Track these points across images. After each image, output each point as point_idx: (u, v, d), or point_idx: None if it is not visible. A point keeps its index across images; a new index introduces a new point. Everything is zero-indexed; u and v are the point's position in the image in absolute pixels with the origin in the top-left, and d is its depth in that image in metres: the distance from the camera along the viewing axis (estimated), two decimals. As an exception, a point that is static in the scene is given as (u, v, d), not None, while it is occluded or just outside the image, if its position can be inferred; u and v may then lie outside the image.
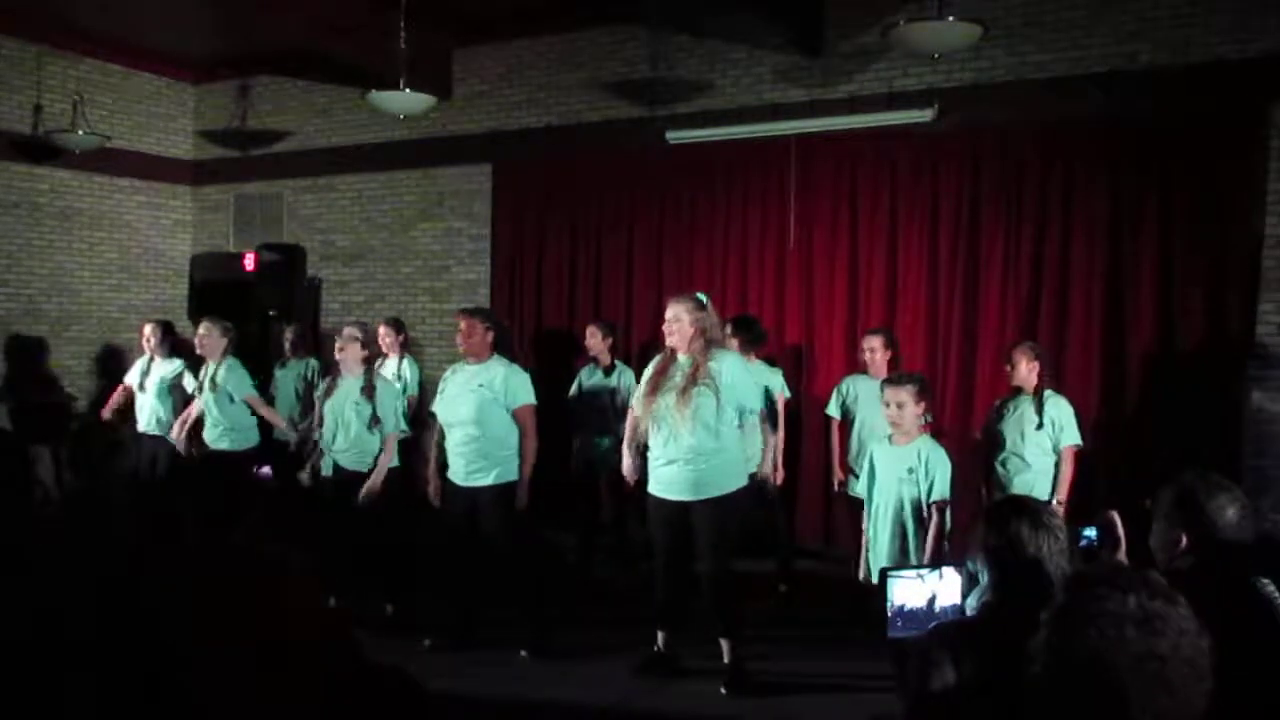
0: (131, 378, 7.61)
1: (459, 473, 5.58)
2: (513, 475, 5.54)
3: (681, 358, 5.08)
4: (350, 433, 6.01)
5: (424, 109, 7.54)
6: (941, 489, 4.51)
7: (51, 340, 9.77)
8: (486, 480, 5.51)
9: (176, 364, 7.45)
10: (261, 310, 9.13)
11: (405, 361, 8.09)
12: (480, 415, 5.50)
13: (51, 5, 8.87)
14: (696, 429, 4.96)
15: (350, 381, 6.10)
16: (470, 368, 5.62)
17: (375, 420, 6.00)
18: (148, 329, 7.56)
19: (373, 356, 6.32)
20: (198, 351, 7.09)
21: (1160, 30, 6.73)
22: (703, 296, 5.23)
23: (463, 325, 5.63)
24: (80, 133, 9.00)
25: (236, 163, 10.57)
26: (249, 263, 9.49)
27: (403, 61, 7.10)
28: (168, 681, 1.83)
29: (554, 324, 8.85)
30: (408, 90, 7.16)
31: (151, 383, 7.48)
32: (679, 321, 5.05)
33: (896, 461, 4.63)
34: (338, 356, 6.18)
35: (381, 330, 8.09)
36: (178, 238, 10.82)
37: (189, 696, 1.81)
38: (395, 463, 6.21)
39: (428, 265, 9.63)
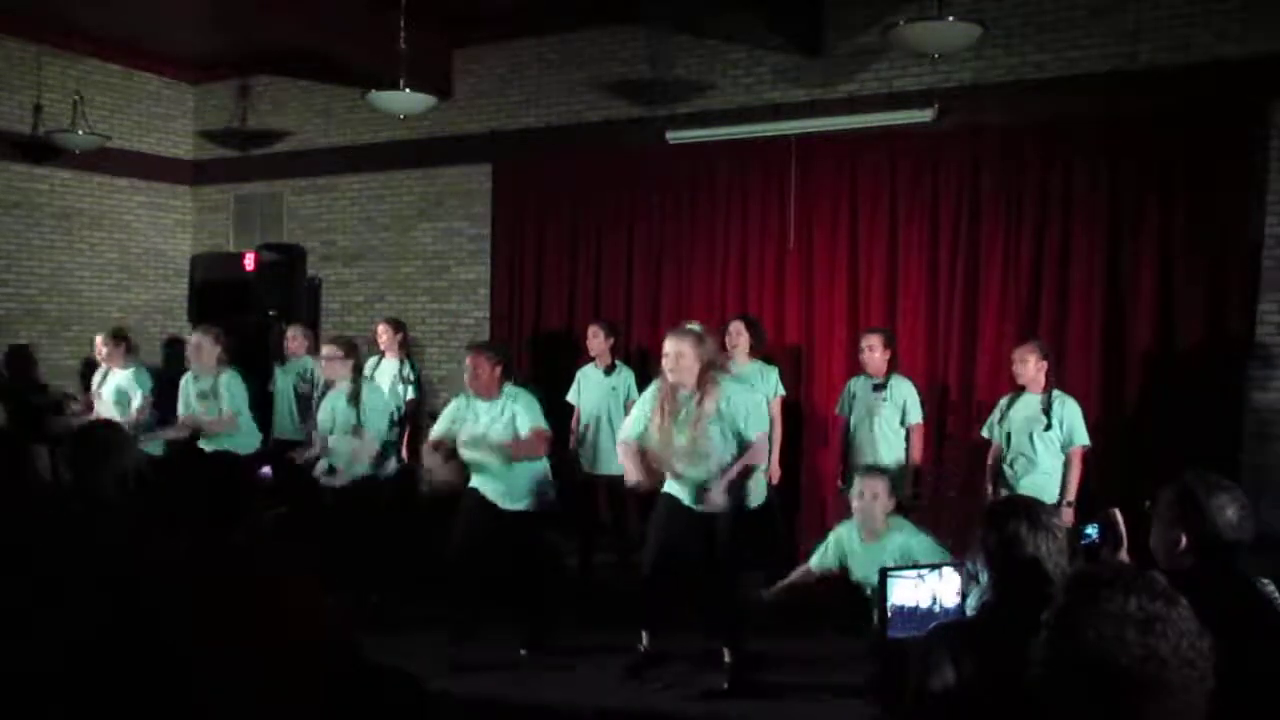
0: (98, 388, 7.55)
1: (496, 498, 5.59)
2: (547, 503, 5.62)
3: (685, 392, 5.01)
4: (337, 437, 6.05)
5: (424, 109, 7.54)
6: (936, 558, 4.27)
7: (51, 340, 9.77)
8: (522, 506, 5.58)
9: (128, 374, 7.37)
10: (261, 310, 9.12)
11: (408, 364, 8.07)
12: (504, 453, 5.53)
13: (51, 5, 8.86)
14: (713, 458, 4.97)
15: (339, 389, 6.19)
16: (482, 404, 5.57)
17: (358, 429, 6.03)
18: (98, 340, 7.48)
19: (360, 364, 6.34)
20: (192, 366, 7.04)
21: (1160, 30, 6.73)
22: (696, 326, 5.18)
23: (469, 362, 5.57)
24: (80, 133, 8.99)
25: (236, 163, 10.57)
26: (249, 263, 9.48)
27: (403, 61, 7.10)
28: (167, 682, 1.83)
29: (554, 324, 8.85)
30: (408, 90, 7.16)
31: (108, 391, 7.40)
32: (683, 357, 4.94)
33: (874, 561, 4.44)
34: (324, 375, 6.26)
35: (380, 329, 8.10)
36: (178, 238, 10.81)
37: (188, 697, 1.82)
38: (392, 471, 6.25)
39: (428, 265, 9.63)
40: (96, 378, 7.57)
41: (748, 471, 5.02)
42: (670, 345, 4.99)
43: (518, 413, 5.52)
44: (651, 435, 5.11)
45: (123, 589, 2.10)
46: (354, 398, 6.10)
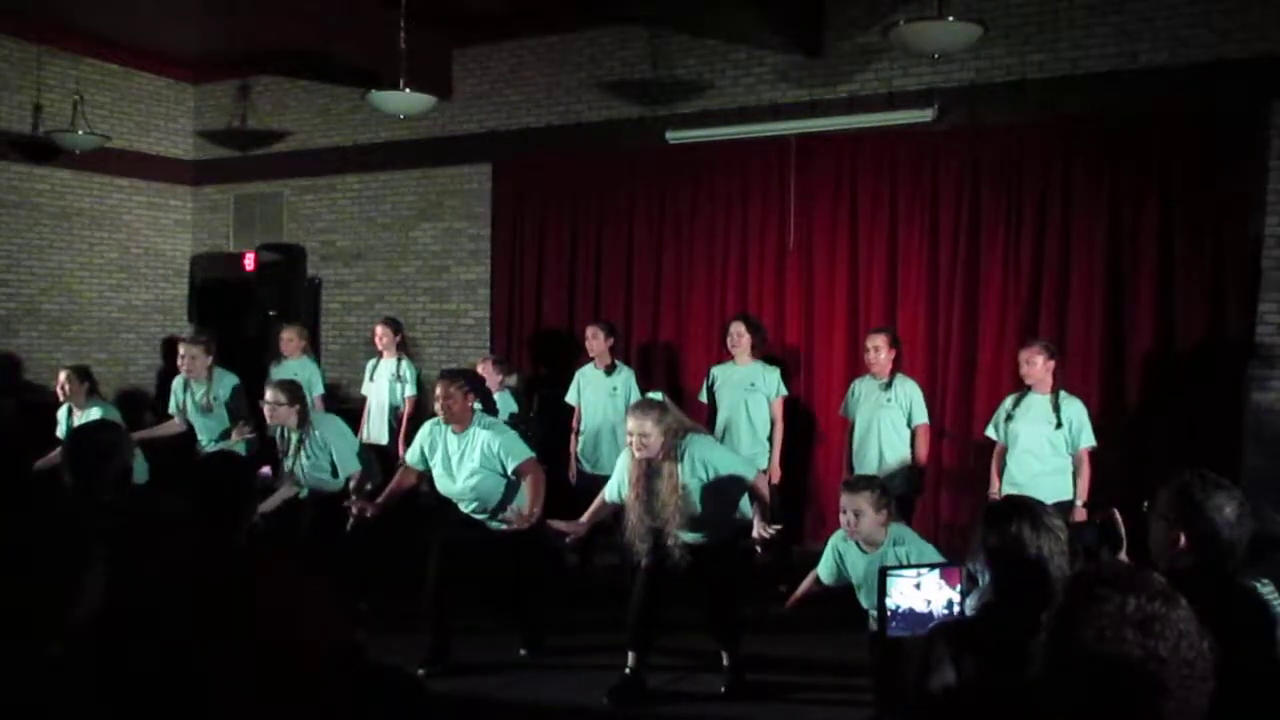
0: (59, 430, 6.99)
1: (475, 515, 5.47)
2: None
3: (656, 462, 4.89)
4: (316, 481, 5.96)
5: (424, 109, 7.54)
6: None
7: (51, 340, 9.77)
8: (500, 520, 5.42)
9: (94, 414, 6.71)
10: (261, 310, 9.13)
11: (404, 363, 8.05)
12: (480, 488, 5.37)
13: (51, 5, 8.87)
14: (699, 516, 4.92)
15: (294, 438, 5.94)
16: (454, 437, 5.38)
17: (335, 470, 5.90)
18: (62, 377, 6.92)
19: (305, 409, 5.99)
20: (185, 374, 6.97)
21: (1160, 30, 6.73)
22: (658, 395, 5.09)
23: (439, 390, 5.37)
24: (80, 133, 8.99)
25: (236, 163, 10.58)
26: (249, 263, 9.49)
27: (403, 61, 7.10)
28: (169, 680, 1.83)
29: (554, 324, 8.85)
30: (408, 90, 7.16)
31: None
32: (647, 436, 4.79)
33: (873, 568, 4.38)
34: (269, 420, 5.99)
35: (379, 330, 8.07)
36: (178, 238, 10.82)
37: (190, 695, 1.82)
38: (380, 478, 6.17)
39: (428, 265, 9.63)
40: (60, 419, 7.01)
41: (765, 509, 4.97)
42: (633, 424, 4.86)
43: (497, 446, 5.29)
44: (628, 507, 5.01)
45: (124, 589, 2.10)
46: (312, 446, 5.86)
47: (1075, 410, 5.75)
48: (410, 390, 8.00)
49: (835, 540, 4.71)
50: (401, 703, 1.96)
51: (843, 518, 4.48)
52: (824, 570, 4.75)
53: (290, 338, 8.02)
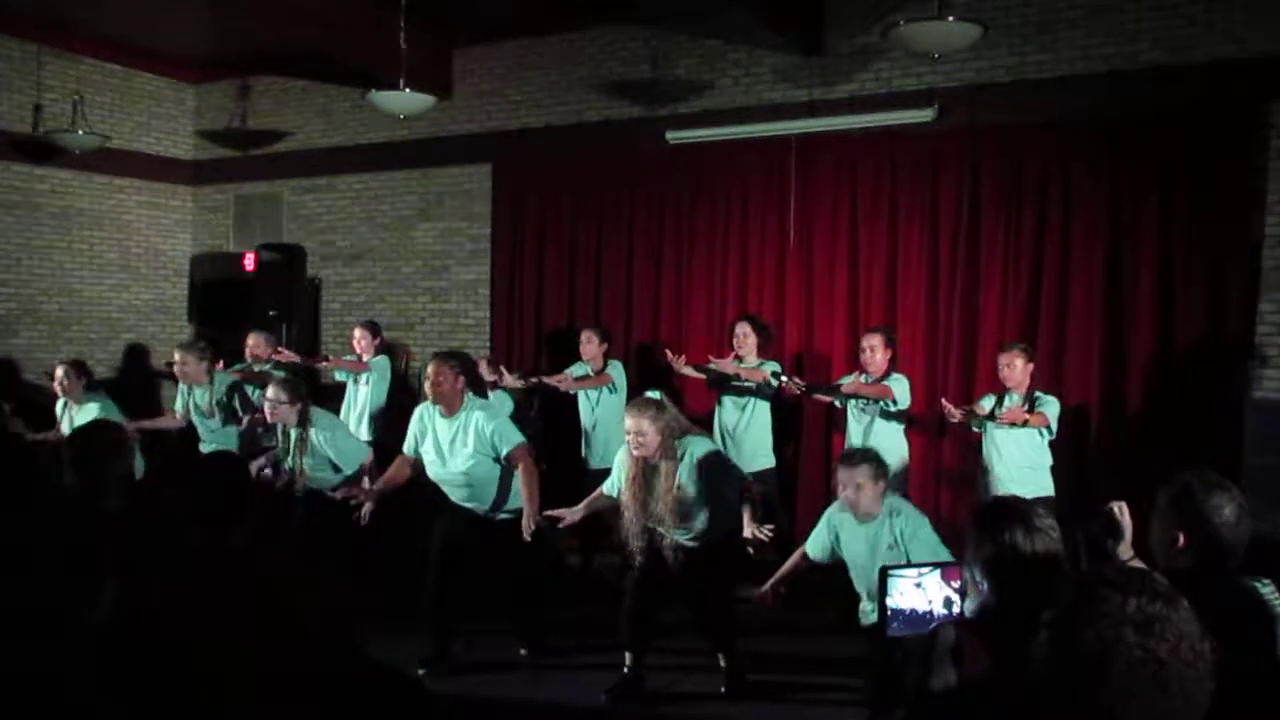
0: (61, 422, 7.07)
1: (466, 503, 5.45)
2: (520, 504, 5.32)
3: (653, 462, 4.91)
4: (317, 480, 5.96)
5: (424, 109, 7.54)
6: (932, 554, 4.21)
7: (51, 340, 9.77)
8: (510, 514, 5.37)
9: (92, 408, 6.82)
10: (261, 310, 9.12)
11: (379, 359, 7.98)
12: (473, 474, 5.33)
13: (51, 5, 8.87)
14: (693, 517, 4.93)
15: (293, 434, 5.94)
16: (444, 420, 5.34)
17: (336, 468, 5.92)
18: (59, 372, 6.97)
19: (305, 409, 5.96)
20: (180, 380, 6.98)
21: (1160, 30, 6.73)
22: (656, 394, 5.09)
23: (429, 372, 5.32)
24: (80, 133, 8.98)
25: (236, 163, 10.57)
26: (249, 263, 9.49)
27: (403, 61, 7.11)
28: (169, 681, 1.83)
29: (554, 324, 8.85)
30: (408, 90, 7.16)
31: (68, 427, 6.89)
32: (643, 435, 4.81)
33: (869, 539, 4.48)
34: (270, 418, 6.02)
35: (357, 334, 8.02)
36: (178, 238, 10.81)
37: (188, 697, 1.82)
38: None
39: (428, 265, 9.63)
40: (59, 412, 7.04)
41: (756, 510, 4.92)
42: (630, 423, 4.87)
43: (489, 429, 5.25)
44: (624, 504, 5.03)
45: (125, 589, 2.11)
46: (311, 447, 5.87)
47: (1052, 408, 5.80)
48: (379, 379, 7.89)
49: (831, 513, 4.73)
50: (401, 703, 1.96)
51: (842, 492, 4.51)
52: (814, 546, 4.74)
53: (256, 343, 7.87)
